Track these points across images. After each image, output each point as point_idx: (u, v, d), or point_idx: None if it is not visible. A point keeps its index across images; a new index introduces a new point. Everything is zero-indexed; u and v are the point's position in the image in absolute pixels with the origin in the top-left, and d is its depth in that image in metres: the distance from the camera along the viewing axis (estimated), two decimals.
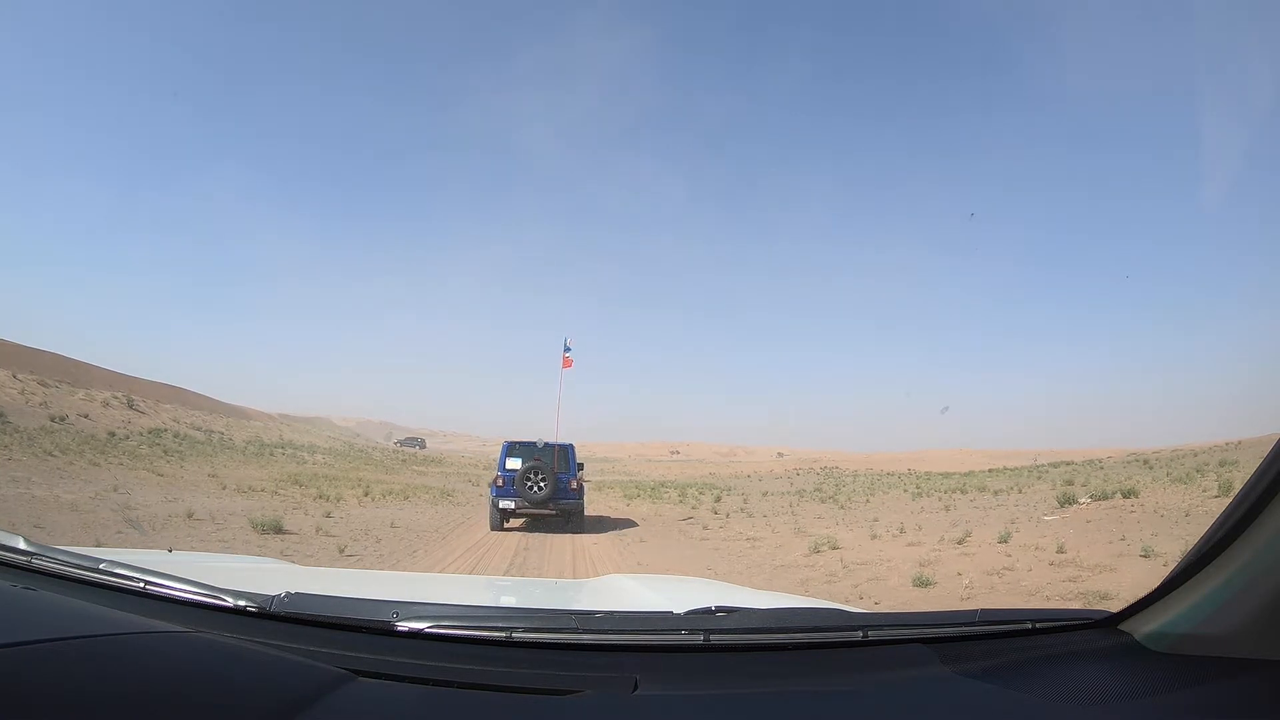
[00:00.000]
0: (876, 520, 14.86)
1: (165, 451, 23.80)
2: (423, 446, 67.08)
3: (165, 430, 31.01)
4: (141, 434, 27.56)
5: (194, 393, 46.08)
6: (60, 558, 1.12)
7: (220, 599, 1.04)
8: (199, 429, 36.51)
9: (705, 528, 14.19)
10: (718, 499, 23.34)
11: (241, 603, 1.04)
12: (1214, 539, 0.98)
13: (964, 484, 26.73)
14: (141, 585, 1.07)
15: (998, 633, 1.16)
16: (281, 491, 16.20)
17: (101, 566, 1.10)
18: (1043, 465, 43.39)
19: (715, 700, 0.91)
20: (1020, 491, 21.16)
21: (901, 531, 12.14)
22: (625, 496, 24.18)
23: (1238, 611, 0.96)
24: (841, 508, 19.70)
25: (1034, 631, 1.16)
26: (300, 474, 21.94)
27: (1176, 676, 0.98)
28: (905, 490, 27.01)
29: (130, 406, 34.31)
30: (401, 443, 65.08)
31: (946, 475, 41.59)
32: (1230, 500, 0.96)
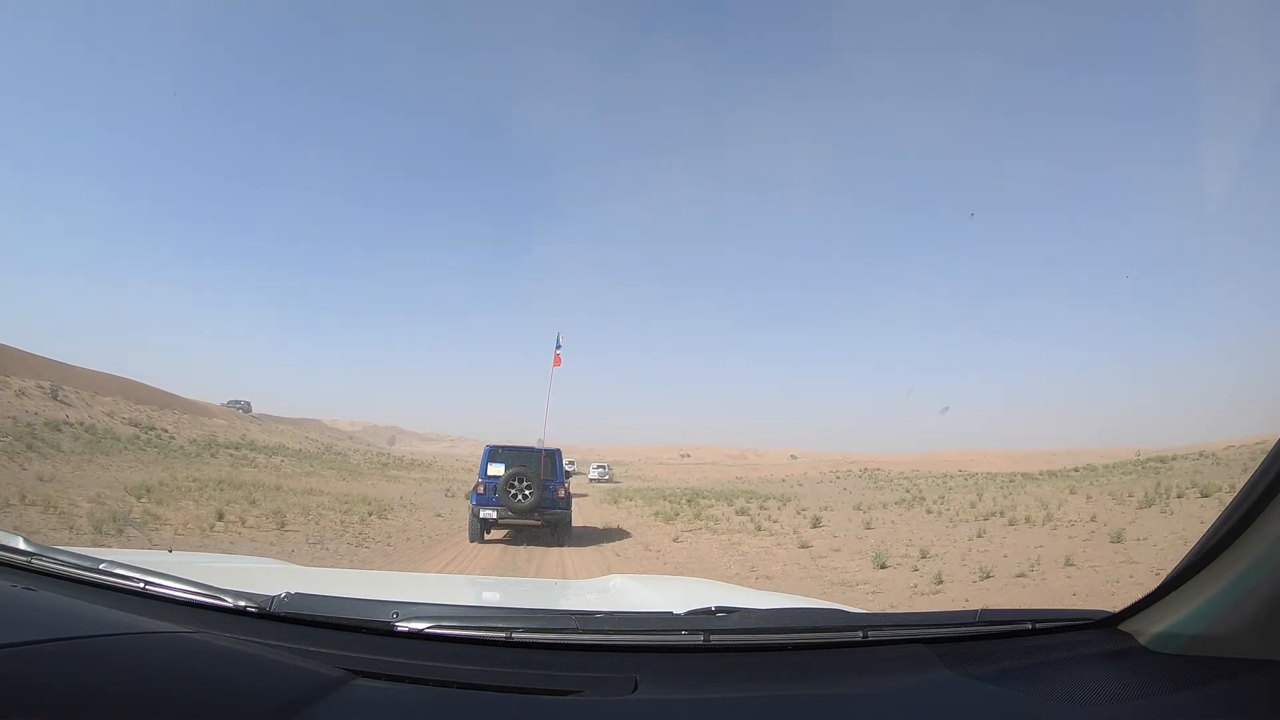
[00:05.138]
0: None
1: (34, 445, 17.79)
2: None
3: (72, 424, 24.91)
4: (33, 427, 21.56)
5: (148, 386, 40.67)
6: (60, 558, 1.13)
7: (220, 599, 1.04)
8: (136, 425, 30.87)
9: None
10: (816, 523, 14.81)
11: (241, 603, 1.03)
12: (1214, 539, 0.97)
13: (1127, 487, 18.63)
14: (141, 585, 1.07)
15: (998, 633, 1.15)
16: (84, 507, 9.70)
17: (101, 567, 1.10)
18: (1146, 461, 35.41)
19: (715, 700, 0.91)
20: None
21: None
22: (657, 514, 16.76)
23: (1238, 612, 0.95)
24: (1083, 537, 11.45)
25: (1034, 632, 1.15)
26: (190, 480, 15.29)
27: (1177, 677, 0.98)
28: (1073, 490, 19.33)
29: (54, 396, 28.99)
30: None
31: (1028, 476, 34.20)
32: (1235, 499, 0.93)
